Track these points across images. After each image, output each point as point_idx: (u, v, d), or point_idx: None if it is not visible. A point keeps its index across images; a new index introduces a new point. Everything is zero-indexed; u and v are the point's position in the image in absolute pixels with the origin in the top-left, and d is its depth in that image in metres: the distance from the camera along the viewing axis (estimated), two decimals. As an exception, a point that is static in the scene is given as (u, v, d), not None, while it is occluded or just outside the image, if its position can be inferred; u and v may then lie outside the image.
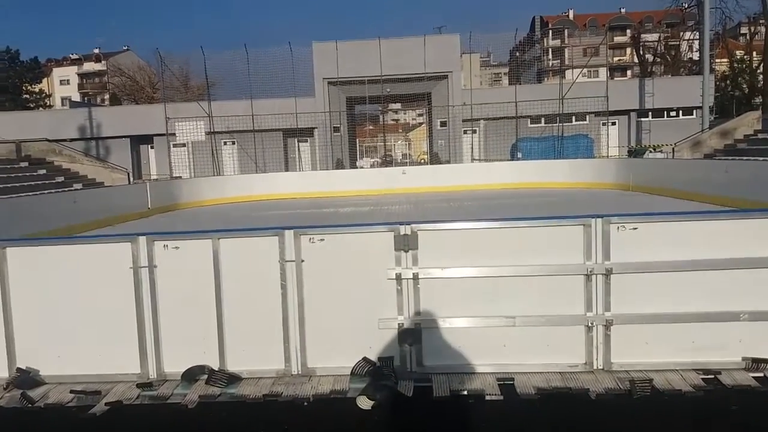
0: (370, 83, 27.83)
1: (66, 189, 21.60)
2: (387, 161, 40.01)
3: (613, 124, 31.91)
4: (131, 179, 26.65)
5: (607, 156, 28.39)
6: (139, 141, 33.40)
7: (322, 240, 3.92)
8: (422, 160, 37.44)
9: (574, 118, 29.81)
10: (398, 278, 3.86)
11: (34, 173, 22.76)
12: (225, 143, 30.78)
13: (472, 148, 28.54)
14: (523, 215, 12.25)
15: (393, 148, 52.57)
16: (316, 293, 3.95)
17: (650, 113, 32.35)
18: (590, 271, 3.81)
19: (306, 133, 29.98)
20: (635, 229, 3.81)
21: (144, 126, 31.10)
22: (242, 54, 26.02)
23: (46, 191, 16.65)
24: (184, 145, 29.37)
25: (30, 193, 16.33)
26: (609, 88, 27.26)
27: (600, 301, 3.80)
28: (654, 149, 26.99)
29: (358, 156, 32.89)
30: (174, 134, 25.82)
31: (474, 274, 3.84)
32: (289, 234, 3.94)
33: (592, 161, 22.71)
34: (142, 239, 3.96)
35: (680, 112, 32.50)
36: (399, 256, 3.88)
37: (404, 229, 3.85)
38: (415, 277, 3.87)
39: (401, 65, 27.80)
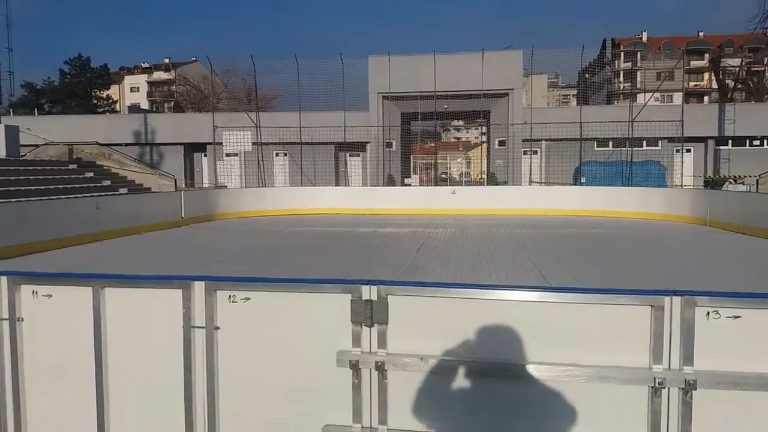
0: (426, 99, 26.62)
1: (112, 193, 21.35)
2: (442, 179, 38.59)
3: (688, 151, 29.37)
4: (177, 186, 26.34)
5: (681, 185, 26.00)
6: (193, 149, 33.35)
7: (246, 300, 2.61)
8: (481, 180, 35.80)
9: (645, 143, 27.57)
10: (354, 367, 2.54)
11: (81, 176, 22.68)
12: (277, 154, 30.23)
13: (531, 169, 26.77)
14: (580, 252, 10.85)
15: (450, 167, 51.03)
16: (233, 378, 2.68)
17: (730, 141, 29.62)
18: (660, 383, 2.36)
19: (358, 147, 29.02)
20: (737, 318, 2.36)
21: (197, 134, 30.97)
22: (293, 65, 25.33)
23: (63, 196, 16.18)
24: (236, 154, 29.02)
25: (49, 198, 15.86)
26: (685, 113, 25.00)
27: (673, 432, 2.37)
28: (734, 180, 24.50)
29: (411, 173, 31.62)
30: (221, 143, 25.34)
31: (475, 372, 2.48)
32: (199, 287, 2.63)
33: (664, 191, 20.58)
34: (3, 280, 2.79)
35: (765, 141, 29.63)
36: (358, 333, 2.55)
37: (368, 291, 2.55)
38: (381, 368, 2.54)
39: (459, 81, 26.49)
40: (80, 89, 50.91)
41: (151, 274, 2.78)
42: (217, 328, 2.66)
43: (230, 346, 2.67)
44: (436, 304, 2.47)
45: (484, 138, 38.14)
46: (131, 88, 79.79)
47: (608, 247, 12.28)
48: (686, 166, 28.58)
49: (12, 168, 19.39)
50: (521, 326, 2.42)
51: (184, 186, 29.63)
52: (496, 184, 27.36)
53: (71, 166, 23.46)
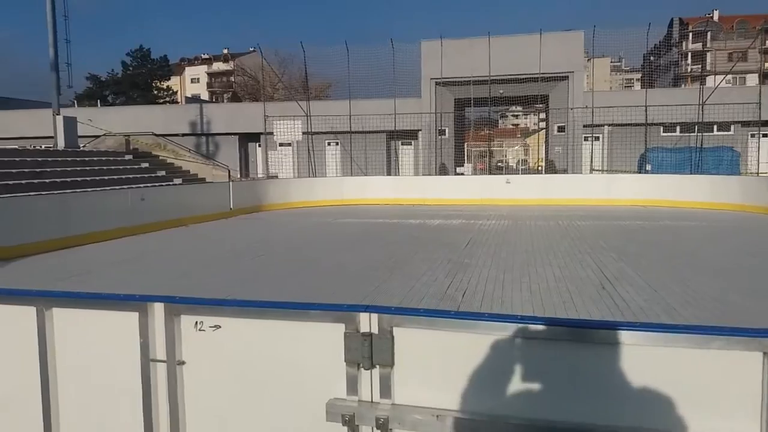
0: (481, 84, 25.61)
1: (166, 183, 21.49)
2: (497, 168, 37.44)
3: (765, 136, 27.18)
4: (231, 176, 26.40)
5: (757, 173, 24.07)
6: (248, 139, 33.47)
7: (216, 328, 2.06)
8: (538, 168, 34.45)
9: (716, 127, 25.69)
10: (349, 423, 1.94)
11: (137, 166, 22.95)
12: (329, 144, 29.93)
13: (592, 156, 25.37)
14: (650, 249, 9.72)
15: (506, 155, 49.56)
16: (201, 426, 2.13)
17: (814, 124, 27.22)
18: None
19: (410, 135, 28.32)
20: None
21: (251, 124, 31.01)
22: (343, 52, 24.81)
23: (117, 187, 16.21)
24: (289, 144, 28.88)
25: (95, 189, 15.92)
26: (762, 95, 23.07)
27: None
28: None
29: (465, 161, 30.68)
30: (272, 133, 25.18)
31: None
32: (158, 310, 2.10)
33: (739, 179, 18.99)
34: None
35: None
36: (354, 377, 1.96)
37: (367, 321, 1.94)
38: (384, 427, 1.92)
39: (516, 65, 25.34)
40: (141, 80, 52.19)
41: (104, 293, 2.27)
42: (181, 362, 2.12)
43: (197, 386, 2.12)
44: (460, 340, 1.84)
45: (543, 124, 36.69)
46: (191, 79, 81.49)
47: (683, 243, 11.20)
48: (763, 153, 26.47)
49: (69, 159, 19.73)
50: (581, 375, 1.76)
51: (238, 176, 29.77)
52: (555, 173, 26.15)
53: (127, 157, 23.78)
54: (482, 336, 1.83)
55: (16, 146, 23.27)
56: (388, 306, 1.95)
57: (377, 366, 1.90)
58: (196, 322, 2.09)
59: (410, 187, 20.25)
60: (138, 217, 12.89)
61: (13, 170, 16.40)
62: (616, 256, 9.31)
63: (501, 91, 27.00)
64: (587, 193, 19.08)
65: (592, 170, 25.04)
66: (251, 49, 76.21)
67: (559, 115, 27.10)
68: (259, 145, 33.75)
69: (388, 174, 27.57)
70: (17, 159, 17.41)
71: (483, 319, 1.83)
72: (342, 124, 26.61)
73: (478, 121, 33.64)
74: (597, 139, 26.84)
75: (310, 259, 9.58)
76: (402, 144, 29.14)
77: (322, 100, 29.96)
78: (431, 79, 27.16)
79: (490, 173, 28.51)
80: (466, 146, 32.23)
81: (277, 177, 25.64)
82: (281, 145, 28.62)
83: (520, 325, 1.79)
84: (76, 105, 38.99)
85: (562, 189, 19.51)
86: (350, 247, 10.94)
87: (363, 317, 1.91)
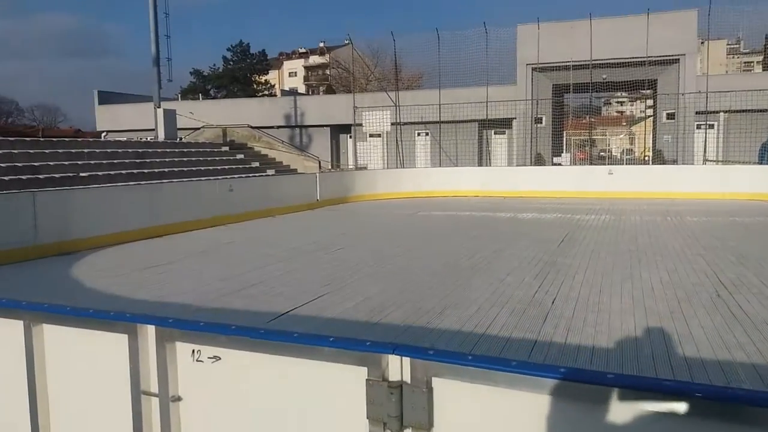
0: (581, 69, 24.11)
1: (259, 174, 21.91)
2: (600, 158, 35.43)
3: None
4: (321, 167, 26.59)
5: None
6: (339, 130, 33.65)
7: (215, 359, 1.67)
8: (645, 159, 32.17)
9: None
10: (373, 502, 1.44)
11: (233, 157, 23.57)
12: (418, 134, 29.43)
13: (705, 146, 23.21)
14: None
15: (609, 143, 46.84)
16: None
17: None
18: None
19: (503, 124, 27.23)
20: None
21: (342, 116, 31.11)
22: (433, 39, 24.14)
23: (203, 178, 16.56)
24: (379, 135, 28.71)
25: (190, 179, 16.30)
26: None
27: None
28: None
29: (564, 150, 29.11)
30: (361, 124, 25.03)
31: None
32: (150, 334, 1.75)
33: None
34: None
35: None
36: (379, 439, 1.45)
37: (397, 366, 1.43)
38: None
39: (620, 48, 23.58)
40: (241, 75, 54.03)
41: (93, 310, 1.90)
42: (176, 398, 1.71)
43: (194, 427, 1.70)
44: (527, 401, 1.29)
45: (650, 111, 34.21)
46: (289, 72, 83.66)
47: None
48: None
49: (168, 150, 20.52)
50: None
51: (329, 167, 29.98)
52: (663, 163, 24.19)
53: (224, 148, 24.49)
54: (561, 400, 1.26)
55: (124, 138, 24.63)
56: (425, 348, 1.42)
57: (409, 428, 1.39)
58: (193, 351, 1.67)
59: (502, 178, 19.35)
60: (226, 207, 13.03)
61: (115, 161, 17.21)
62: (734, 258, 8.18)
63: (604, 77, 25.29)
64: (700, 186, 17.39)
65: (705, 161, 22.90)
66: (346, 42, 77.19)
67: (669, 101, 25.01)
68: (350, 137, 33.89)
69: (480, 165, 26.67)
70: (119, 150, 18.28)
71: (559, 376, 1.26)
72: (432, 114, 26.00)
73: (579, 108, 31.82)
74: (711, 127, 24.54)
75: (387, 255, 9.15)
76: (495, 133, 28.09)
77: (412, 90, 29.44)
78: (527, 64, 25.90)
79: (591, 163, 26.87)
80: (565, 135, 30.60)
81: (366, 168, 25.48)
82: (371, 136, 28.46)
83: (621, 390, 1.21)
84: (179, 98, 40.91)
85: (671, 181, 17.91)
86: (432, 242, 10.41)
87: (392, 361, 1.40)
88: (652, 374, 4.06)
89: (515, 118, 26.77)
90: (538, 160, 26.32)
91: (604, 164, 27.99)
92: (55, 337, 1.90)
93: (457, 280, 7.10)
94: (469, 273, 7.50)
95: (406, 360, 1.38)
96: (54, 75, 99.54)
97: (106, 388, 1.83)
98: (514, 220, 13.13)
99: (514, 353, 4.61)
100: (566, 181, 18.75)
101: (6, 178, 13.45)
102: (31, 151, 15.74)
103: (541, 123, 27.28)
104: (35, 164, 14.91)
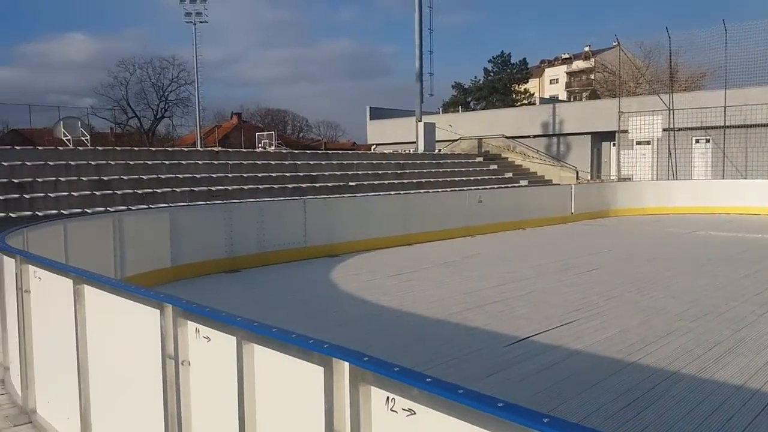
0: None
1: (512, 185, 21.66)
2: None
3: None
4: (579, 178, 25.19)
5: None
6: (601, 138, 31.54)
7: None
8: None
9: None
10: None
11: (486, 168, 23.69)
12: (696, 141, 25.99)
13: None
14: None
15: None
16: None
17: None
18: None
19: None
20: None
21: (605, 122, 29.09)
22: (719, 33, 21.01)
23: (456, 189, 16.64)
24: (648, 142, 26.16)
25: (427, 191, 16.55)
26: None
27: None
28: None
29: None
30: (626, 131, 23.01)
31: None
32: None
33: None
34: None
35: None
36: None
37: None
38: None
39: None
40: (501, 85, 54.24)
41: (296, 334, 1.74)
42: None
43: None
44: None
45: None
46: (550, 80, 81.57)
47: None
48: None
49: (426, 161, 21.43)
50: None
51: (588, 178, 28.28)
52: None
53: (478, 159, 24.76)
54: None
55: (389, 150, 26.51)
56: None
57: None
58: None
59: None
60: (475, 218, 12.98)
61: (379, 171, 18.51)
62: None
63: None
64: None
65: None
66: (614, 44, 72.25)
67: None
68: (614, 144, 31.47)
69: (776, 177, 22.40)
70: (383, 162, 19.63)
71: None
72: (715, 118, 22.67)
73: None
74: None
75: (651, 280, 8.01)
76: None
77: (690, 91, 26.18)
78: None
79: None
80: None
81: (630, 179, 23.35)
82: (638, 143, 26.01)
83: None
84: (440, 112, 42.68)
85: None
86: (701, 271, 8.81)
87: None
88: None
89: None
90: None
91: None
92: (263, 359, 1.88)
93: (737, 324, 5.80)
94: (752, 316, 6.11)
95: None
96: (336, 95, 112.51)
97: (298, 421, 1.71)
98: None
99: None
100: None
101: (290, 186, 15.38)
102: (311, 162, 17.79)
103: None
104: (313, 174, 16.80)
